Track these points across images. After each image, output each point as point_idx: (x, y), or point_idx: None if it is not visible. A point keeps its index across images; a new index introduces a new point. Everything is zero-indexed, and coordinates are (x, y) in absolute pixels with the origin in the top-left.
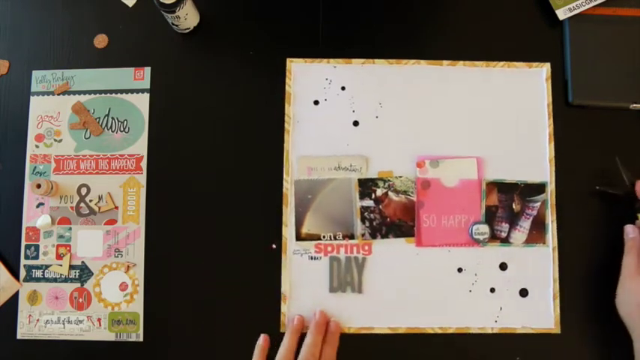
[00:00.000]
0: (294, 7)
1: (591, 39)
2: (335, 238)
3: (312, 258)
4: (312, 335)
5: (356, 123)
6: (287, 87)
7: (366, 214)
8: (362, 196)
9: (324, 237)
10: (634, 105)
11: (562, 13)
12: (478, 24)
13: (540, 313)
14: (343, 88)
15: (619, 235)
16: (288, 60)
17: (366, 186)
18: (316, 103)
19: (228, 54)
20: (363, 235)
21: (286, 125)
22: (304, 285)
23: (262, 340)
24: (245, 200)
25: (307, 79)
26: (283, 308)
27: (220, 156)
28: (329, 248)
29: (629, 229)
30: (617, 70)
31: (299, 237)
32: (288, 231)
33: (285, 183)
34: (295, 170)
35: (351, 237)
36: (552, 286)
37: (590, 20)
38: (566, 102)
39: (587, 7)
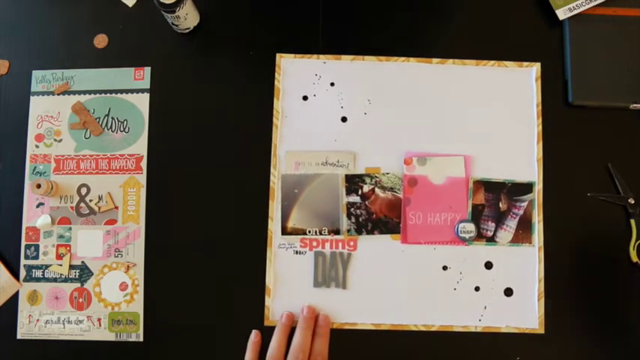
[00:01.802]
0: (294, 7)
1: (591, 39)
2: (320, 233)
3: (297, 252)
4: (301, 330)
5: (344, 119)
6: (276, 82)
7: (352, 209)
8: (348, 192)
9: (309, 232)
10: (634, 105)
11: (562, 13)
12: (478, 24)
13: (525, 313)
14: (332, 84)
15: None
16: (278, 55)
17: (353, 182)
18: (305, 98)
19: (228, 54)
20: (348, 230)
21: (274, 120)
22: (289, 279)
23: (254, 335)
24: (246, 200)
25: (296, 75)
26: (267, 302)
27: (221, 156)
28: (314, 243)
29: None
30: (617, 70)
31: (285, 231)
32: (274, 225)
33: (272, 177)
34: (283, 165)
35: (337, 232)
36: (537, 286)
37: (590, 20)
38: (566, 102)
39: (587, 7)
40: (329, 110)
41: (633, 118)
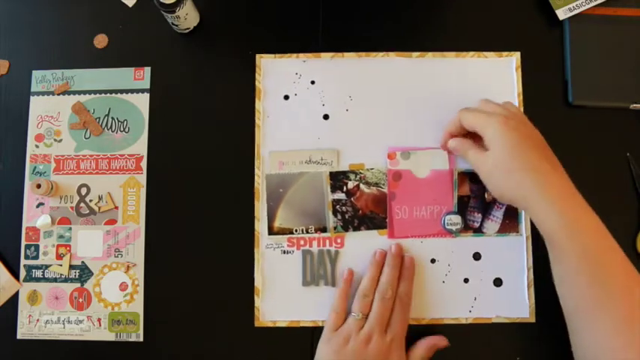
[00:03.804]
0: (295, 7)
1: (591, 39)
2: (307, 232)
3: (284, 252)
4: (389, 269)
5: (326, 117)
6: (257, 82)
7: (337, 207)
8: (333, 189)
9: (296, 231)
10: (634, 105)
11: (562, 13)
12: (478, 24)
13: (515, 303)
14: (313, 82)
15: None
16: (258, 56)
17: (338, 179)
18: (286, 97)
19: (228, 54)
20: (335, 228)
21: (257, 120)
22: (277, 279)
23: (347, 273)
24: (245, 198)
25: (277, 74)
26: (257, 302)
27: (221, 156)
28: (301, 242)
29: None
30: (617, 70)
31: (271, 231)
32: (260, 225)
33: (256, 177)
34: (267, 165)
35: (324, 230)
36: (526, 275)
37: (590, 20)
38: (566, 102)
39: (587, 7)
40: (311, 108)
41: (633, 118)
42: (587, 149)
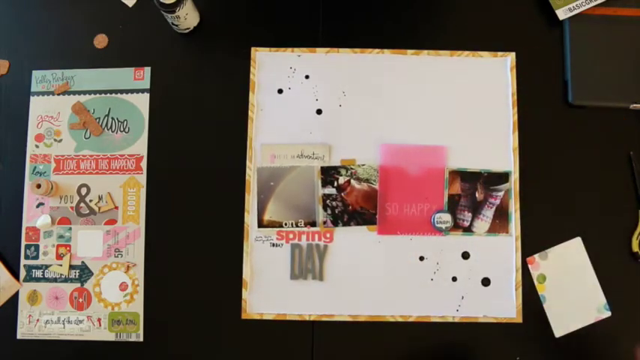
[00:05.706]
0: (295, 7)
1: (591, 39)
2: (297, 226)
3: (273, 245)
4: None
5: (319, 111)
6: (251, 75)
7: (328, 201)
8: (324, 184)
9: (285, 224)
10: (634, 105)
11: (562, 13)
12: (478, 24)
13: (502, 303)
14: (307, 77)
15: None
16: (253, 49)
17: (329, 174)
18: (280, 91)
19: (228, 54)
20: (324, 222)
21: (250, 113)
22: (265, 272)
23: None
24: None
25: (272, 68)
26: (244, 295)
27: (220, 154)
28: (291, 235)
29: None
30: (617, 70)
31: (261, 224)
32: (250, 218)
33: (247, 170)
34: (258, 158)
35: (313, 224)
36: (514, 275)
37: (590, 20)
38: (566, 102)
39: (587, 7)
40: (304, 103)
41: (633, 118)
42: (586, 149)
